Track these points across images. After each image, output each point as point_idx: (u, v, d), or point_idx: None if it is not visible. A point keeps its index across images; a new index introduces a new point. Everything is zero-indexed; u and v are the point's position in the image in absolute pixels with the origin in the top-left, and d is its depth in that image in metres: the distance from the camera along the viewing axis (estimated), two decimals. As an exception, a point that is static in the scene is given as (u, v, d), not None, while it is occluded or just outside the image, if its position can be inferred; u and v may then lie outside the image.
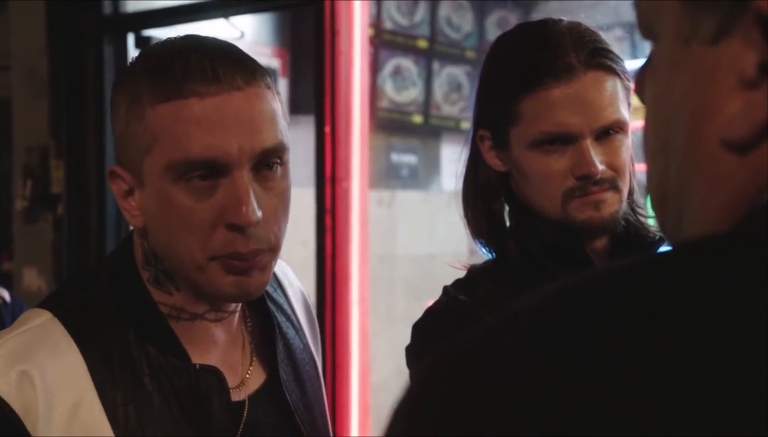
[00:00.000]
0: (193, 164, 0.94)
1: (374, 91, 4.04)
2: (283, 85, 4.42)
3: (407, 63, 4.28)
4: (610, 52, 1.20)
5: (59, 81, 3.63)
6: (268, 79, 0.99)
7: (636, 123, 1.20)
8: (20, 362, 0.94)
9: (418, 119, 4.36)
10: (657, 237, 1.26)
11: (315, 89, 2.89)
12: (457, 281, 1.28)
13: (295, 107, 4.13)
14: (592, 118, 1.18)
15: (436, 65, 4.36)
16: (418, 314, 1.27)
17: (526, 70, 1.20)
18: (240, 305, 1.08)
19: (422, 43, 4.32)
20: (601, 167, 1.18)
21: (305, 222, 2.88)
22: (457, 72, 4.43)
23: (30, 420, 0.92)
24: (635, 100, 1.11)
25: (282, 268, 1.24)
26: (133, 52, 3.56)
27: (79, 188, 3.62)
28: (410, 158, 4.42)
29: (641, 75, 0.54)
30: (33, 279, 3.70)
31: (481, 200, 1.28)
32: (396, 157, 4.36)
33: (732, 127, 0.45)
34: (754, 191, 0.45)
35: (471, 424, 0.39)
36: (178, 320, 1.04)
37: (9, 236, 3.95)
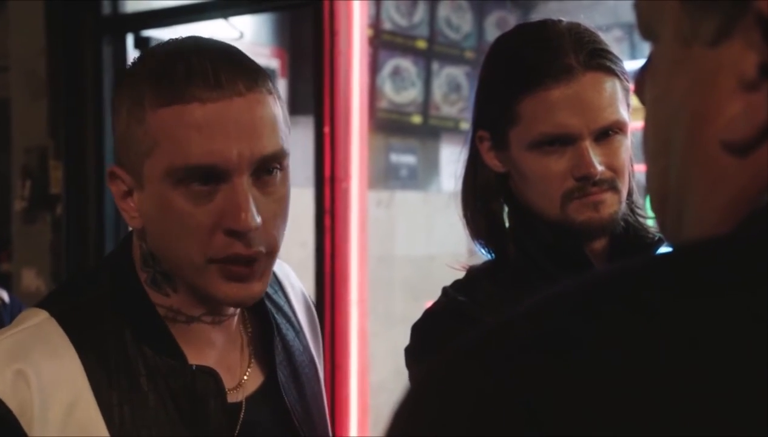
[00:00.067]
0: (193, 169, 0.94)
1: (373, 92, 4.05)
2: (282, 85, 4.42)
3: (406, 63, 4.28)
4: (610, 53, 1.20)
5: (58, 81, 3.63)
6: (270, 83, 0.99)
7: (635, 124, 1.20)
8: (16, 361, 0.94)
9: (417, 119, 4.36)
10: (656, 238, 1.26)
11: (314, 90, 2.90)
12: (456, 282, 1.28)
13: (294, 108, 4.12)
14: (592, 119, 1.18)
15: (435, 66, 4.36)
16: (417, 315, 1.27)
17: (526, 71, 1.20)
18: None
19: (421, 44, 4.32)
20: (600, 167, 1.18)
21: (304, 223, 2.89)
22: (457, 73, 4.43)
23: (25, 419, 0.92)
24: (634, 101, 1.11)
25: (283, 269, 1.24)
26: (132, 53, 3.56)
27: (77, 188, 3.62)
28: (409, 159, 4.42)
29: (641, 76, 0.54)
30: (32, 280, 3.70)
31: (481, 200, 1.28)
32: (395, 157, 4.36)
33: (732, 128, 0.45)
34: (754, 193, 0.45)
35: (471, 424, 0.39)
36: (175, 322, 1.04)
37: (8, 236, 3.95)
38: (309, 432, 1.13)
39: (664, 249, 1.26)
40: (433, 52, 4.35)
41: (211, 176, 0.95)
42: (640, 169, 1.23)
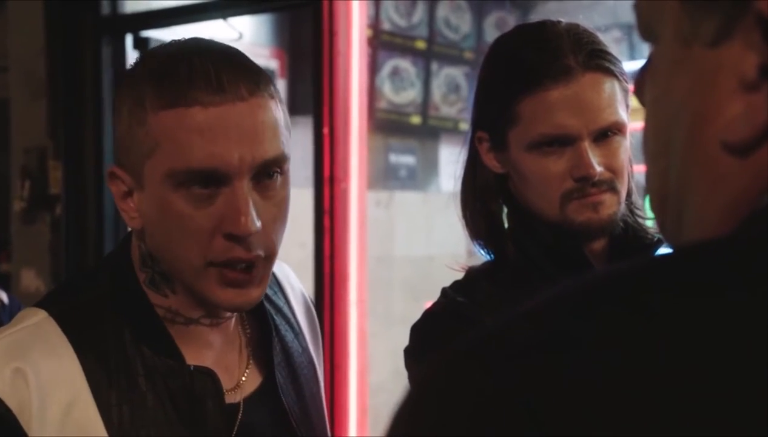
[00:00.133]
0: (193, 172, 0.94)
1: (372, 92, 4.04)
2: (281, 86, 4.42)
3: (405, 64, 4.28)
4: (609, 53, 1.20)
5: (57, 82, 3.63)
6: (272, 87, 0.99)
7: (634, 125, 1.20)
8: (15, 359, 0.94)
9: (416, 119, 4.36)
10: (655, 239, 1.26)
11: (313, 90, 2.90)
12: (456, 283, 1.28)
13: (294, 108, 4.12)
14: (591, 119, 1.18)
15: (434, 66, 4.36)
16: (416, 315, 1.27)
17: (525, 72, 1.20)
18: None
19: (420, 44, 4.32)
20: (599, 168, 1.18)
21: (303, 223, 2.88)
22: (456, 73, 4.43)
23: (24, 418, 0.93)
24: (634, 102, 1.12)
25: (283, 270, 1.24)
26: (131, 53, 3.56)
27: (77, 189, 3.62)
28: (408, 159, 4.42)
29: (641, 76, 0.54)
30: (31, 280, 3.70)
31: (480, 201, 1.28)
32: (394, 158, 4.36)
33: (732, 129, 0.45)
34: (754, 194, 0.45)
35: (471, 424, 0.40)
36: (173, 323, 1.04)
37: (7, 237, 3.95)
38: (307, 433, 1.13)
39: (663, 250, 1.26)
40: (432, 53, 4.35)
41: (211, 180, 0.95)
42: (639, 169, 1.23)
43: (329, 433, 1.22)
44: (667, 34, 0.49)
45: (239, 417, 1.05)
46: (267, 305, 1.13)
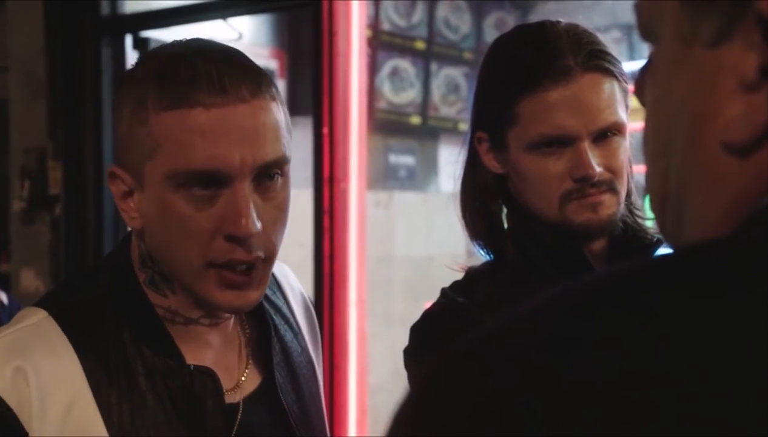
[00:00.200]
0: (195, 173, 0.95)
1: (372, 93, 4.05)
2: (281, 86, 4.42)
3: (405, 64, 4.28)
4: (608, 54, 1.20)
5: (57, 82, 3.63)
6: (274, 89, 0.99)
7: (634, 125, 1.20)
8: (15, 358, 0.94)
9: (415, 120, 4.36)
10: (655, 239, 1.26)
11: (313, 90, 2.90)
12: (455, 283, 1.28)
13: (293, 108, 4.11)
14: (590, 120, 1.18)
15: (433, 66, 4.37)
16: (415, 315, 1.27)
17: (524, 72, 1.20)
18: None
19: (420, 45, 4.32)
20: (598, 169, 1.18)
21: (303, 223, 2.88)
22: (455, 73, 4.43)
23: (25, 417, 0.93)
24: (633, 102, 1.12)
25: (282, 270, 1.24)
26: (131, 53, 3.56)
27: (76, 189, 3.62)
28: (408, 160, 4.43)
29: (641, 77, 0.54)
30: (30, 281, 3.70)
31: (479, 201, 1.28)
32: (394, 158, 4.36)
33: (732, 130, 0.45)
34: (754, 195, 0.45)
35: (471, 425, 0.40)
36: (172, 323, 1.04)
37: (6, 237, 3.95)
38: (306, 433, 1.13)
39: (663, 250, 1.26)
40: (431, 53, 4.35)
41: (212, 181, 0.95)
42: (638, 170, 1.23)
43: (328, 433, 1.22)
44: (667, 34, 0.49)
45: (239, 417, 1.05)
46: (266, 305, 1.13)
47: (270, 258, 1.00)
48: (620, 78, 1.20)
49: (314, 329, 1.26)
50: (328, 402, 2.75)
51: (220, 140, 0.94)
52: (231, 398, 1.05)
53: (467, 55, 4.44)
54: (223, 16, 3.38)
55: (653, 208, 0.53)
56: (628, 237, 1.25)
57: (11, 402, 0.92)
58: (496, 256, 1.27)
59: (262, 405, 1.09)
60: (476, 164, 1.29)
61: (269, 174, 0.98)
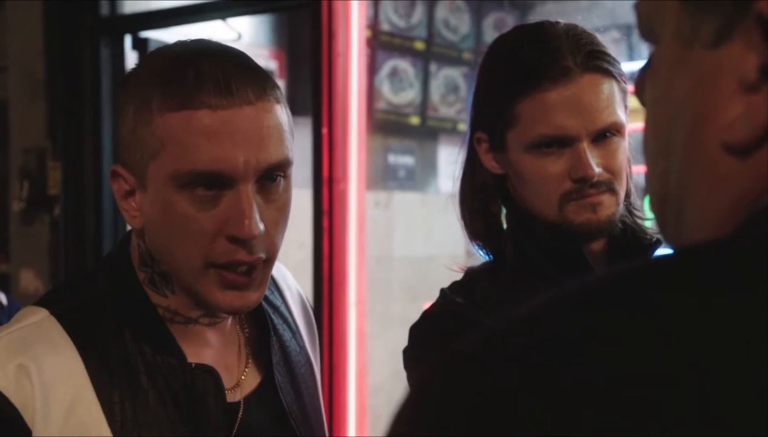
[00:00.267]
0: (199, 174, 0.95)
1: (371, 93, 4.05)
2: (280, 86, 4.42)
3: (404, 64, 4.28)
4: (607, 54, 1.20)
5: (56, 82, 3.63)
6: (278, 91, 1.00)
7: (633, 125, 1.20)
8: (17, 356, 0.94)
9: (415, 120, 4.36)
10: (654, 239, 1.26)
11: (312, 91, 2.90)
12: (455, 284, 1.28)
13: (293, 109, 4.11)
14: (589, 120, 1.18)
15: (433, 67, 4.37)
16: (415, 316, 1.27)
17: (523, 73, 1.20)
18: None
19: (419, 45, 4.32)
20: (597, 169, 1.18)
21: (302, 224, 2.88)
22: (454, 74, 4.43)
23: (28, 414, 0.93)
24: (633, 103, 1.12)
25: (280, 270, 1.24)
26: (130, 54, 3.56)
27: (75, 189, 3.62)
28: (407, 160, 4.43)
29: (641, 77, 0.54)
30: (30, 281, 3.70)
31: (478, 202, 1.28)
32: (393, 158, 4.36)
33: (733, 130, 0.45)
34: (754, 195, 0.45)
35: (471, 425, 0.40)
36: (172, 323, 1.04)
37: (5, 237, 3.95)
38: (306, 433, 1.13)
39: (662, 250, 1.26)
40: (431, 54, 4.35)
41: (216, 182, 0.95)
42: (638, 170, 1.23)
43: (327, 432, 1.22)
44: (668, 34, 0.49)
45: (240, 416, 1.05)
46: (265, 304, 1.14)
47: (271, 259, 1.01)
48: (619, 78, 1.21)
49: (312, 328, 1.27)
50: (327, 402, 2.75)
51: (224, 141, 0.94)
52: (231, 397, 1.05)
53: (466, 56, 4.44)
54: (223, 17, 3.38)
55: (653, 208, 0.53)
56: (627, 237, 1.26)
57: (15, 401, 0.92)
58: (496, 256, 1.27)
59: (262, 404, 1.09)
60: (475, 165, 1.29)
61: (272, 176, 0.98)
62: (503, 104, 1.21)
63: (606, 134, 1.19)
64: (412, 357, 1.24)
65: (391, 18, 4.23)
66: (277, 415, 1.10)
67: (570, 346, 0.40)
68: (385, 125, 4.27)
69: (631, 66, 1.23)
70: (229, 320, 1.09)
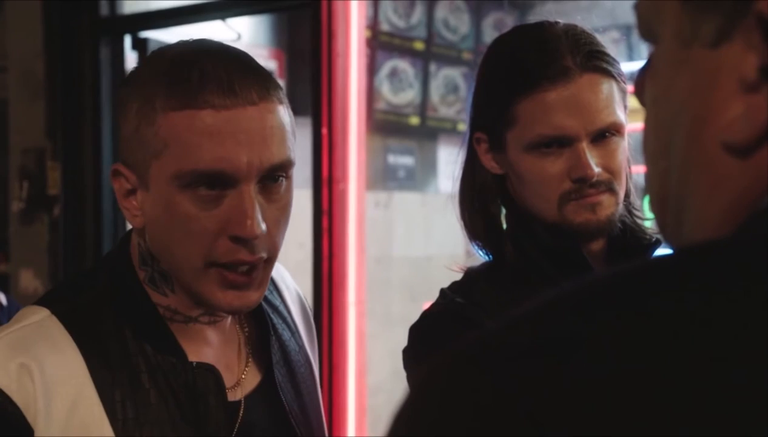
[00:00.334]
0: (201, 174, 0.95)
1: (371, 93, 4.05)
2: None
3: (404, 65, 4.28)
4: (606, 54, 1.20)
5: (56, 83, 3.62)
6: (281, 92, 1.00)
7: (633, 125, 1.20)
8: (19, 355, 0.94)
9: (414, 120, 4.36)
10: (653, 239, 1.26)
11: (312, 91, 2.90)
12: (454, 284, 1.28)
13: (292, 109, 4.12)
14: (589, 121, 1.18)
15: (432, 67, 4.37)
16: (414, 316, 1.27)
17: (523, 73, 1.20)
18: None
19: (419, 45, 4.32)
20: (597, 169, 1.18)
21: (302, 224, 2.88)
22: (454, 74, 4.44)
23: (30, 413, 0.93)
24: (632, 103, 1.12)
25: (279, 271, 1.24)
26: (129, 54, 3.55)
27: (75, 189, 3.62)
28: (407, 160, 4.43)
29: (641, 77, 0.54)
30: (29, 281, 3.70)
31: (478, 202, 1.28)
32: (393, 158, 4.37)
33: (733, 130, 0.45)
34: (754, 195, 0.45)
35: (471, 425, 0.40)
36: (172, 321, 1.04)
37: (5, 237, 3.95)
38: (306, 432, 1.13)
39: (661, 250, 1.26)
40: (430, 54, 4.35)
41: (218, 182, 0.96)
42: (637, 170, 1.23)
43: (326, 432, 1.22)
44: (668, 34, 0.49)
45: (240, 415, 1.05)
46: (264, 304, 1.14)
47: (271, 259, 1.01)
48: (618, 78, 1.21)
49: (310, 328, 1.27)
50: (327, 402, 2.75)
51: (227, 141, 0.94)
52: (232, 396, 1.06)
53: (466, 56, 4.44)
54: (222, 17, 3.38)
55: (653, 209, 0.53)
56: (626, 237, 1.26)
57: (18, 401, 0.92)
58: (495, 256, 1.27)
59: (262, 403, 1.09)
60: (475, 165, 1.29)
61: (274, 176, 0.98)
62: (503, 104, 1.21)
63: (605, 134, 1.19)
64: (411, 356, 1.24)
65: (391, 18, 4.23)
66: (277, 414, 1.10)
67: (570, 347, 0.40)
68: (385, 125, 4.27)
69: (630, 66, 1.23)
70: (229, 319, 1.09)
